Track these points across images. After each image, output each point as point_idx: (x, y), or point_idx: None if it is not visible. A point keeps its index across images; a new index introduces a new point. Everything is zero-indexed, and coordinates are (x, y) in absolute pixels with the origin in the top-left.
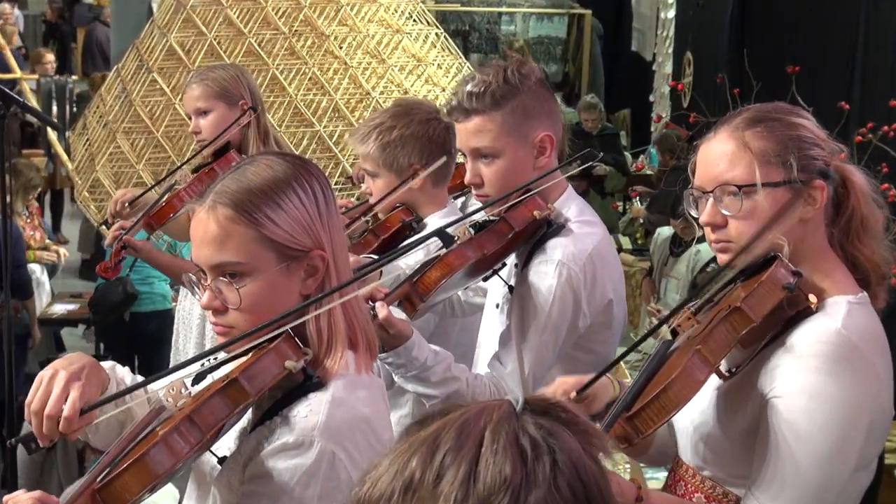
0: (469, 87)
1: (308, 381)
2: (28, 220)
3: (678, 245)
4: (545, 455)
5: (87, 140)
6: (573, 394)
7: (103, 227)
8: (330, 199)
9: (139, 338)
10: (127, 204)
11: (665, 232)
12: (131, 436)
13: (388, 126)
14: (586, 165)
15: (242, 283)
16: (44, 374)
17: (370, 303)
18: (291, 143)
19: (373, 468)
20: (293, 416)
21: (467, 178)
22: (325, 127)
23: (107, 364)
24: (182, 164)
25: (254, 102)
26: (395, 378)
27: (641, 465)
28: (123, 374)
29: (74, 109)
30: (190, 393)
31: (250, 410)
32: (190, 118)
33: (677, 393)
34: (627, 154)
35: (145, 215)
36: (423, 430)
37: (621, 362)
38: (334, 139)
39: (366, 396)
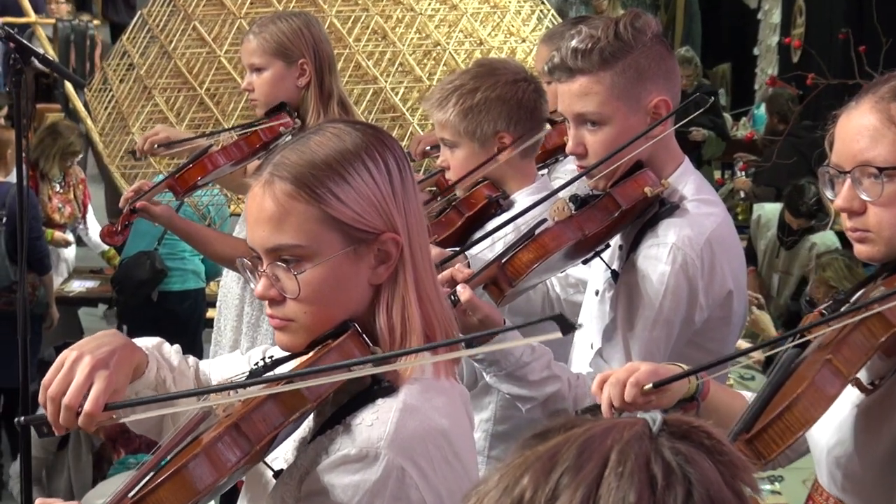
0: (574, 43)
1: (376, 386)
2: (62, 191)
3: (787, 233)
4: (678, 485)
5: (112, 97)
6: (648, 385)
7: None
8: (407, 175)
9: (168, 320)
10: (158, 145)
11: (769, 210)
12: (171, 444)
13: (471, 88)
14: (696, 114)
15: (302, 268)
16: (66, 356)
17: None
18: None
19: (482, 482)
20: (356, 425)
21: (569, 146)
22: (388, 83)
23: (150, 341)
24: (233, 129)
25: (318, 61)
26: (486, 377)
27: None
28: (171, 355)
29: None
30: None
31: (311, 418)
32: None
33: (805, 410)
34: (727, 115)
35: (170, 177)
36: (542, 444)
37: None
38: (399, 96)
39: (444, 405)
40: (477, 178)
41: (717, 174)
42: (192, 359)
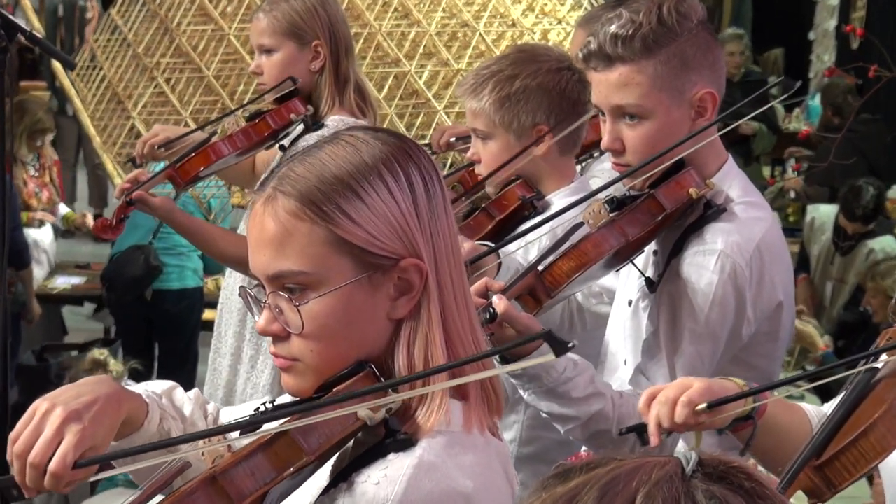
0: (614, 28)
1: (389, 438)
2: (37, 174)
3: (843, 237)
4: None
5: (104, 77)
6: (701, 405)
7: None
8: (436, 192)
9: (162, 322)
10: (158, 147)
11: (824, 213)
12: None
13: (509, 75)
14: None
15: (306, 299)
16: (37, 407)
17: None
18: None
19: None
20: (361, 483)
21: (605, 141)
22: (413, 66)
23: (159, 386)
24: (239, 108)
25: (333, 43)
26: (524, 394)
27: None
28: (183, 403)
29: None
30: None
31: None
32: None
33: (881, 437)
34: (779, 106)
35: (170, 167)
36: (562, 485)
37: None
38: (423, 80)
39: (472, 464)
40: (509, 176)
41: (767, 171)
42: (211, 406)
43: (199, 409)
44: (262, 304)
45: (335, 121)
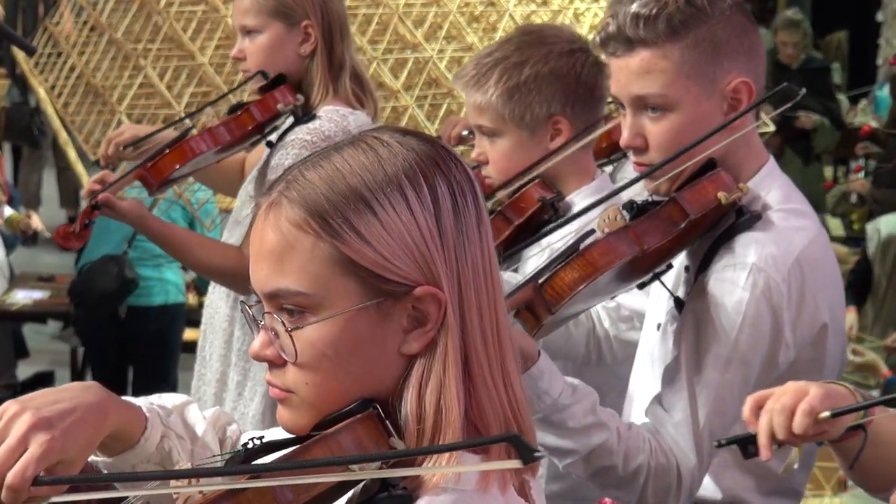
0: (635, 7)
1: (384, 492)
2: None
3: None
4: None
5: (73, 65)
6: (824, 414)
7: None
8: (466, 210)
9: (137, 342)
10: (124, 147)
11: (893, 224)
12: None
13: (516, 62)
14: (782, 109)
15: (303, 323)
16: (5, 409)
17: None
18: (383, 73)
19: None
20: None
21: (625, 137)
22: (432, 50)
23: (172, 400)
24: (217, 100)
25: (326, 23)
26: None
27: None
28: (196, 420)
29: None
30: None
31: None
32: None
33: None
34: (843, 98)
35: (140, 166)
36: None
37: None
38: (444, 65)
39: None
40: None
41: (830, 172)
42: (234, 428)
43: (214, 431)
44: (260, 325)
45: (329, 111)
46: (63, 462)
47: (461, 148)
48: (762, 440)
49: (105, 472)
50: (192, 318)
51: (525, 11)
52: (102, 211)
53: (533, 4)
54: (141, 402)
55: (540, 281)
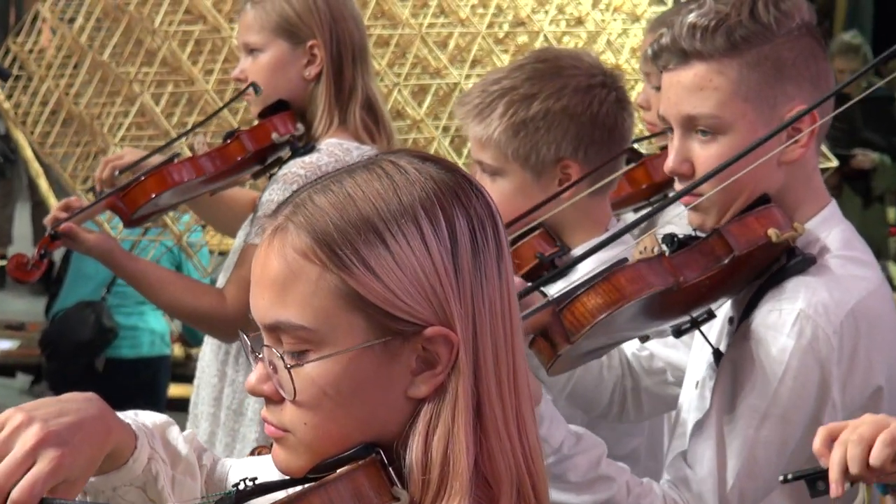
0: (692, 17)
1: None
2: None
3: None
4: None
5: (47, 91)
6: None
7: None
8: (486, 246)
9: (116, 398)
10: (121, 172)
11: None
12: None
13: (526, 94)
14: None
15: (304, 359)
16: (9, 417)
17: None
18: (404, 103)
19: None
20: None
21: (670, 162)
22: (461, 78)
23: (150, 418)
24: (202, 123)
25: (334, 43)
26: None
27: None
28: (178, 441)
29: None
30: None
31: None
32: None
33: None
34: None
35: (113, 193)
36: None
37: None
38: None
39: None
40: (525, 224)
41: (893, 214)
42: (208, 456)
43: (194, 454)
44: (258, 357)
45: (331, 145)
46: (68, 481)
47: None
48: (834, 474)
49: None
50: (179, 372)
51: (557, 32)
52: (63, 241)
53: (564, 23)
54: (127, 417)
55: (559, 306)
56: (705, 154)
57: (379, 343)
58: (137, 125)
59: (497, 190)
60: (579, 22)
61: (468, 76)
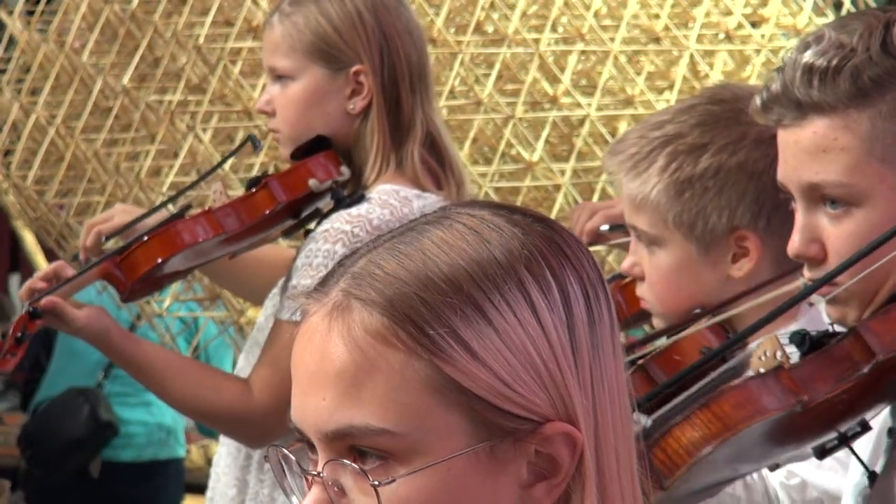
0: (808, 57)
1: None
2: None
3: None
4: None
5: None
6: None
7: None
8: (601, 316)
9: None
10: (107, 238)
11: None
12: None
13: (693, 144)
14: None
15: (389, 475)
16: None
17: None
18: (508, 142)
19: None
20: None
21: (794, 243)
22: (588, 105)
23: None
24: (215, 168)
25: (388, 69)
26: None
27: None
28: None
29: None
30: None
31: None
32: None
33: None
34: None
35: (108, 258)
36: None
37: None
38: (587, 129)
39: None
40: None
41: None
42: None
43: None
44: (308, 478)
45: (384, 192)
46: None
47: (595, 248)
48: None
49: None
50: (195, 480)
51: (700, 51)
52: (46, 320)
53: (714, 40)
54: None
55: (647, 441)
56: (837, 232)
57: (484, 447)
58: (168, 167)
59: (655, 264)
60: (727, 38)
61: (600, 108)
